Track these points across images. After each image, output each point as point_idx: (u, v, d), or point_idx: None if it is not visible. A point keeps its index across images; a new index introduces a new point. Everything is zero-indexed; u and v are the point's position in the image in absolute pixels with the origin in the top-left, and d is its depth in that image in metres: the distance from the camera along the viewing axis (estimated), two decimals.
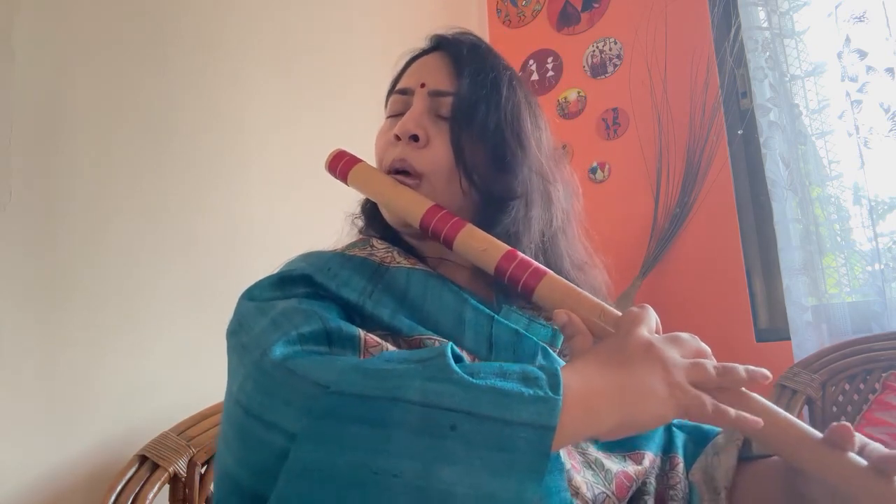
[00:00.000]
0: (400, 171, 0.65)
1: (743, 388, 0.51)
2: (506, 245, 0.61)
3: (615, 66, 1.95)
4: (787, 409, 0.87)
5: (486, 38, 2.21)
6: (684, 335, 0.53)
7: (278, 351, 0.50)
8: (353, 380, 0.45)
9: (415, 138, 0.65)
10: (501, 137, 0.65)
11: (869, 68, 1.46)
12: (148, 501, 0.82)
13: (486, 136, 0.65)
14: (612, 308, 0.56)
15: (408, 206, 0.64)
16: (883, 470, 0.46)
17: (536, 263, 0.60)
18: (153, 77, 1.15)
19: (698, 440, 0.70)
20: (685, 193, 1.75)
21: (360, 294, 0.59)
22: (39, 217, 0.95)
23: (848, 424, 0.47)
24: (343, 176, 0.70)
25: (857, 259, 1.49)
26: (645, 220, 1.82)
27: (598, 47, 1.99)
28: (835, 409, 1.21)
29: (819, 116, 1.55)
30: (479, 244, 0.61)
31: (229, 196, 1.25)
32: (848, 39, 1.48)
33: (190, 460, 0.88)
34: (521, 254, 0.60)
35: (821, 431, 0.50)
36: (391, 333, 0.58)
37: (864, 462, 0.47)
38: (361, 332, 0.54)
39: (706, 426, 0.71)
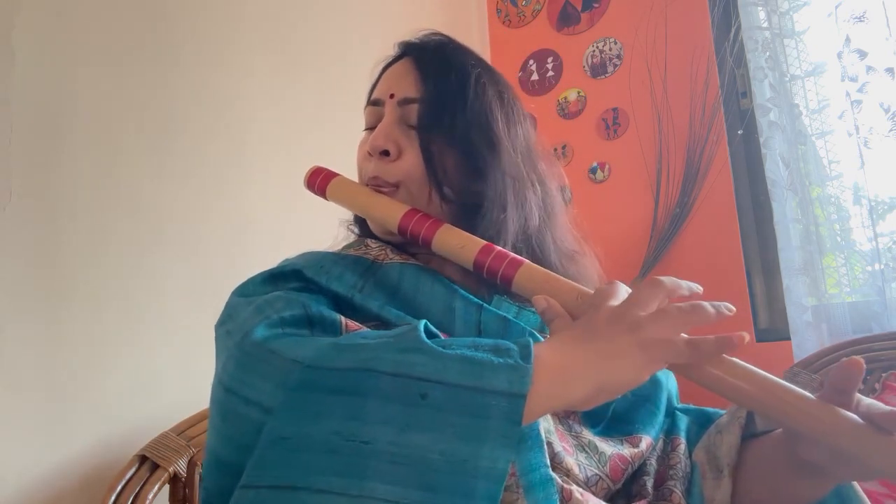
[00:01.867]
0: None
1: (725, 356, 0.50)
2: (482, 240, 0.61)
3: (615, 66, 1.95)
4: None
5: (486, 38, 2.21)
6: (651, 282, 0.52)
7: (259, 332, 0.51)
8: (328, 354, 0.47)
9: (385, 153, 0.65)
10: (470, 142, 0.65)
11: (869, 68, 1.46)
12: (148, 501, 0.82)
13: (454, 141, 0.64)
14: (588, 290, 0.56)
15: (385, 211, 0.65)
16: (882, 427, 0.45)
17: (513, 254, 0.60)
18: (155, 76, 1.15)
19: (702, 423, 0.69)
20: (685, 193, 1.75)
21: (351, 288, 0.60)
22: (39, 217, 0.95)
23: None
24: (321, 191, 0.71)
25: (857, 259, 1.49)
26: (645, 220, 1.82)
27: (598, 47, 1.99)
28: None
29: (819, 116, 1.55)
30: (456, 241, 0.62)
31: (231, 198, 1.25)
32: (848, 39, 1.48)
33: (190, 460, 0.88)
34: (497, 247, 0.61)
35: None
36: (381, 324, 0.58)
37: (856, 418, 0.46)
38: (342, 318, 0.55)
39: (710, 410, 0.71)
